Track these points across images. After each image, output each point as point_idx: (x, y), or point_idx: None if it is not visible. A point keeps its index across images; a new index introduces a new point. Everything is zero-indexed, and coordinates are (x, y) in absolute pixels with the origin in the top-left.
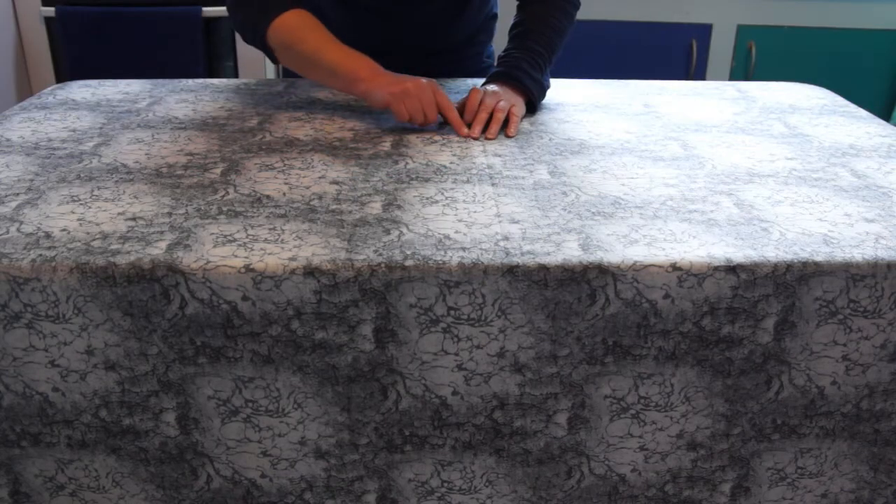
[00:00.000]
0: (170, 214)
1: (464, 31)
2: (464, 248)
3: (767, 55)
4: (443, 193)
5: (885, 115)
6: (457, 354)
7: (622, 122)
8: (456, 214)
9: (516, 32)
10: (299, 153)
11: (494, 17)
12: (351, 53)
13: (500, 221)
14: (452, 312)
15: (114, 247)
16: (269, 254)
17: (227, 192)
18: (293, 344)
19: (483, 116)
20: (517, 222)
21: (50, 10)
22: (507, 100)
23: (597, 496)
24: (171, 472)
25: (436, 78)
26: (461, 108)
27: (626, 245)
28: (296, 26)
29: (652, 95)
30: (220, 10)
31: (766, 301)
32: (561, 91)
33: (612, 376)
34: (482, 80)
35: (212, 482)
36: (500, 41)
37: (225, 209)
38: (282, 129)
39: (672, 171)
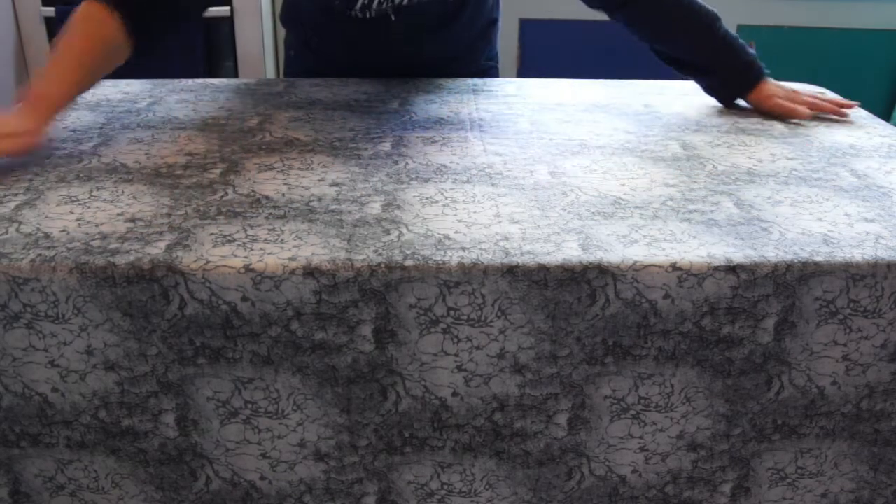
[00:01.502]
0: (169, 215)
1: (457, 43)
2: (464, 249)
3: (767, 55)
4: (443, 193)
5: (885, 115)
6: (457, 355)
7: (622, 122)
8: (456, 214)
9: (672, 46)
10: (299, 153)
11: (494, 22)
12: (55, 74)
13: (499, 221)
14: (452, 313)
15: (113, 247)
16: (269, 254)
17: (227, 193)
18: (293, 345)
19: (830, 99)
20: (517, 222)
21: (50, 10)
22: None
23: (597, 497)
24: (170, 473)
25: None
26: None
27: (626, 245)
28: (78, 18)
29: (652, 95)
30: (221, 10)
31: (766, 301)
32: (561, 91)
33: (612, 377)
34: (480, 80)
35: (211, 484)
36: (502, 44)
37: (224, 209)
38: (281, 129)
39: (672, 171)
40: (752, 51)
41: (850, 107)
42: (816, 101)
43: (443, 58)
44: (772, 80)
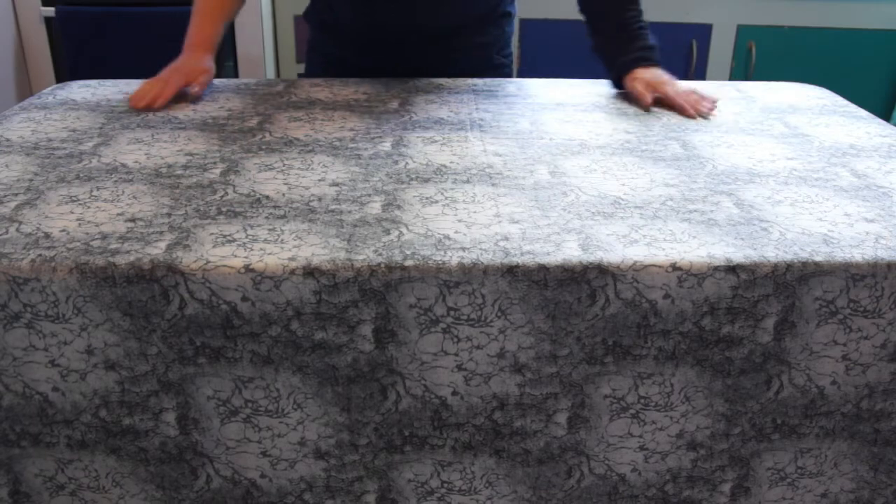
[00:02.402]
0: (169, 215)
1: (468, 12)
2: (463, 249)
3: (767, 55)
4: (443, 193)
5: (885, 115)
6: (457, 355)
7: (622, 122)
8: (456, 214)
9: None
10: (299, 153)
11: (507, 14)
12: (199, 22)
13: (499, 221)
14: (452, 313)
15: (113, 247)
16: (269, 254)
17: (227, 193)
18: (293, 344)
19: (694, 98)
20: (517, 222)
21: (50, 10)
22: (673, 82)
23: (597, 496)
24: (170, 472)
25: (444, 69)
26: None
27: (626, 245)
28: None
29: None
30: None
31: (766, 301)
32: (561, 91)
33: (611, 376)
34: (481, 80)
35: (211, 482)
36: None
37: (224, 209)
38: (281, 129)
39: (672, 171)
40: (652, 41)
41: (709, 108)
42: (677, 98)
43: (449, 30)
44: (657, 71)
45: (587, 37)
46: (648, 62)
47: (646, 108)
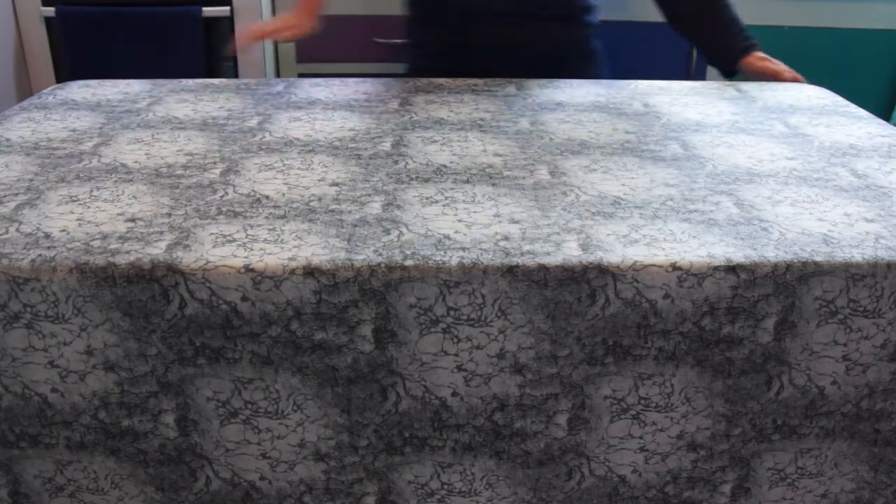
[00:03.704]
0: (169, 215)
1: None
2: (464, 248)
3: (767, 55)
4: (443, 193)
5: (885, 115)
6: (457, 355)
7: (622, 122)
8: (456, 214)
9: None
10: (299, 153)
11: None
12: None
13: (499, 221)
14: (452, 313)
15: (113, 247)
16: (269, 254)
17: (227, 193)
18: (293, 345)
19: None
20: (517, 222)
21: (50, 10)
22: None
23: (597, 497)
24: (169, 473)
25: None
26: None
27: (626, 245)
28: None
29: (652, 95)
30: (221, 10)
31: (766, 301)
32: (561, 91)
33: (612, 377)
34: (481, 80)
35: (211, 484)
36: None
37: (224, 209)
38: (281, 129)
39: (672, 171)
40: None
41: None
42: (792, 74)
43: (536, 12)
44: (763, 53)
45: (678, 28)
46: (759, 47)
47: (793, 80)
